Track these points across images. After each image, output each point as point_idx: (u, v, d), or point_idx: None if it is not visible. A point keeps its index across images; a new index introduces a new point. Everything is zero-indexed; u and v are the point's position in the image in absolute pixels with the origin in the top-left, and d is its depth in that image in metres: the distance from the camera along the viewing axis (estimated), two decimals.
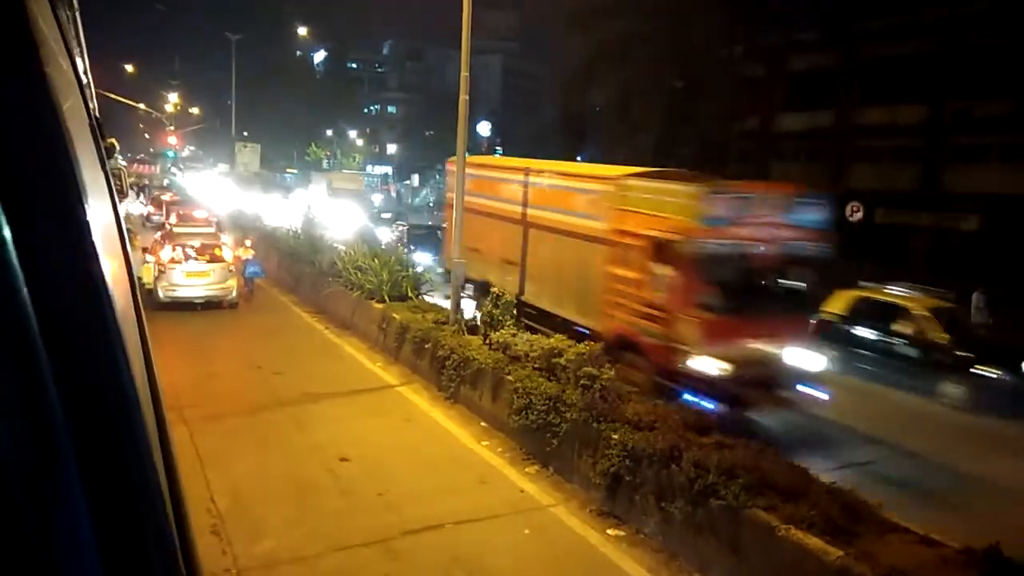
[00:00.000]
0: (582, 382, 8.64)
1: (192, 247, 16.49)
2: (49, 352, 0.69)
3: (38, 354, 0.68)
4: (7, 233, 0.68)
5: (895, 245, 25.27)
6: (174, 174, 63.02)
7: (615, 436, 7.51)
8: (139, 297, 1.81)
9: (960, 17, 24.05)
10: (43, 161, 0.74)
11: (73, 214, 0.76)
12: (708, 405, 9.33)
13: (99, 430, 0.74)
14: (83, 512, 0.70)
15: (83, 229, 0.78)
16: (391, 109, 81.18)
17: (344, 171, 50.83)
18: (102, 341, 0.77)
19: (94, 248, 0.78)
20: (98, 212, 1.25)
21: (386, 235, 26.88)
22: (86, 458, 0.71)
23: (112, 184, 1.64)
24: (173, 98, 59.04)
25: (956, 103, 24.71)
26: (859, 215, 23.27)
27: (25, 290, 0.68)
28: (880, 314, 13.91)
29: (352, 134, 69.65)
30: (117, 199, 1.75)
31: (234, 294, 16.51)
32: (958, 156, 25.29)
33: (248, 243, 17.81)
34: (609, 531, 7.18)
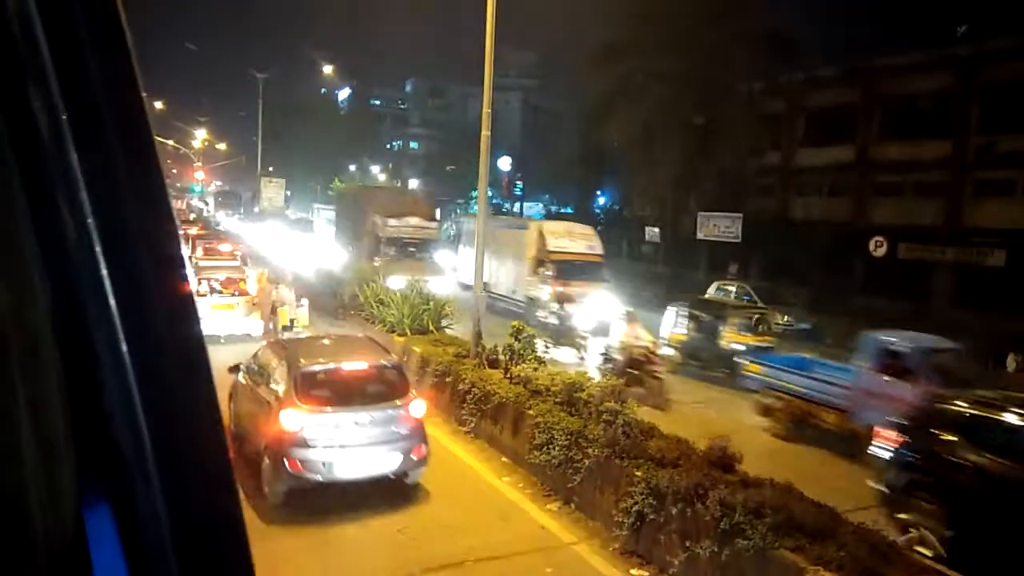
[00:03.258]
0: (604, 417, 8.57)
1: (217, 280, 16.71)
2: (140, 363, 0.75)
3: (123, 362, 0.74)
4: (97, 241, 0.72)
5: (919, 280, 25.01)
6: (200, 208, 64.23)
7: (638, 473, 7.42)
8: None
9: (982, 54, 24.07)
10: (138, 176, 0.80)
11: (166, 224, 0.83)
12: None
13: (191, 436, 0.80)
14: (162, 506, 0.75)
15: (175, 239, 0.84)
16: (413, 145, 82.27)
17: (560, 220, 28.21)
18: (195, 352, 0.83)
19: (181, 255, 0.85)
20: None
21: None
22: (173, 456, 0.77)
23: None
24: (201, 134, 60.35)
25: (979, 138, 24.61)
26: (883, 249, 23.12)
27: (113, 296, 0.73)
28: None
29: (375, 169, 70.59)
30: None
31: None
32: (982, 191, 25.12)
33: (283, 285, 17.86)
34: (633, 571, 7.05)
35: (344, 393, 8.24)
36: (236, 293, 16.58)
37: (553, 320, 17.33)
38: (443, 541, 7.40)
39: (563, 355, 15.34)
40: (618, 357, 13.72)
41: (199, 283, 16.48)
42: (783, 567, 5.83)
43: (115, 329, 0.74)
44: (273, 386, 8.42)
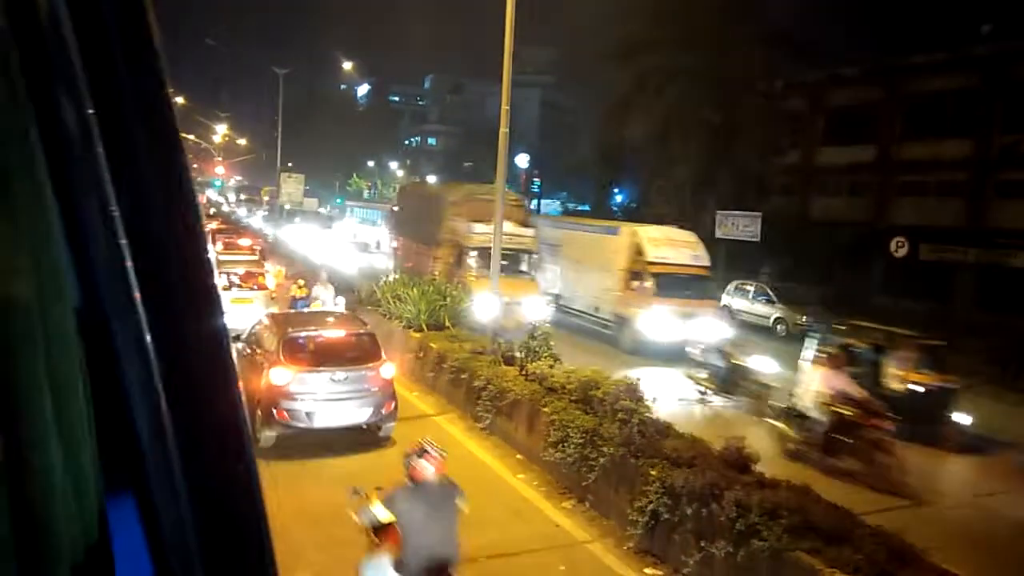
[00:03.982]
0: (619, 416, 8.56)
1: (236, 275, 16.84)
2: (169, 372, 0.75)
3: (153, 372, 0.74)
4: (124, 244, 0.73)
5: (940, 281, 24.71)
6: (219, 203, 64.99)
7: (653, 472, 7.40)
8: None
9: (1006, 53, 23.71)
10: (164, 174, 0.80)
11: (193, 224, 0.83)
12: None
13: (215, 446, 0.80)
14: (189, 518, 0.75)
15: (202, 239, 0.84)
16: (431, 141, 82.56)
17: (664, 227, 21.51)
18: (219, 346, 0.83)
19: (211, 265, 0.85)
20: None
21: None
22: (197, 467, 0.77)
23: None
24: (222, 129, 60.84)
25: (1003, 137, 24.26)
26: (904, 250, 22.86)
27: (141, 306, 0.73)
28: None
29: (393, 165, 70.89)
30: None
31: None
32: (1006, 191, 24.77)
33: (301, 282, 17.51)
34: (647, 570, 7.04)
35: (324, 355, 9.72)
36: (255, 287, 16.69)
37: (716, 359, 13.31)
38: None
39: (731, 407, 12.43)
40: (817, 416, 10.11)
41: (219, 277, 16.61)
42: (799, 569, 5.80)
43: (139, 322, 0.75)
44: (266, 350, 9.85)
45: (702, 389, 12.98)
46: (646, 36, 28.84)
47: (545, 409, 9.42)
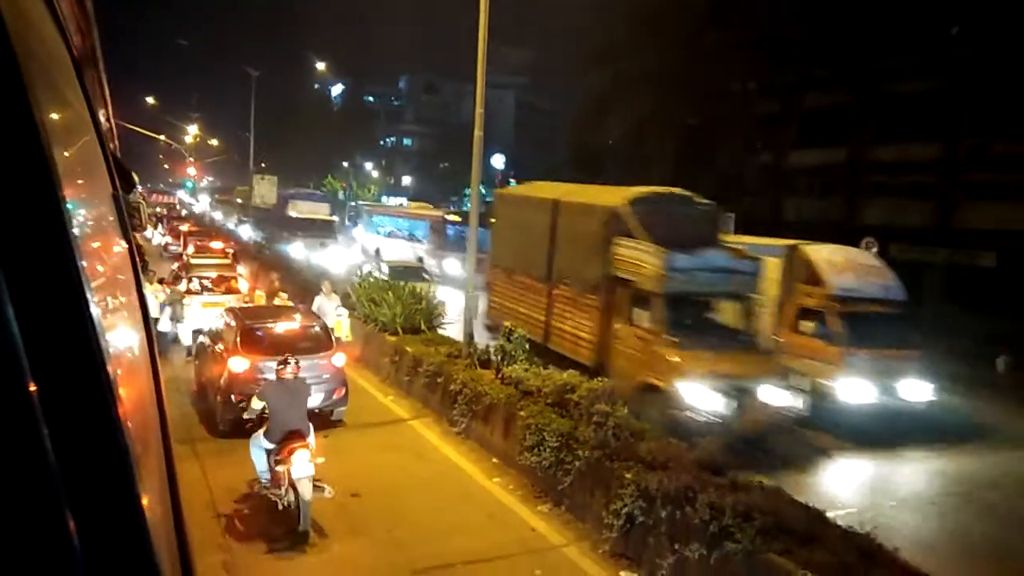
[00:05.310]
0: (595, 419, 8.57)
1: (208, 278, 16.62)
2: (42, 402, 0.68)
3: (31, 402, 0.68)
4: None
5: (910, 281, 25.08)
6: (190, 204, 64.30)
7: (628, 475, 7.42)
8: (152, 330, 1.81)
9: (975, 57, 24.18)
10: (30, 201, 0.74)
11: (58, 249, 0.76)
12: None
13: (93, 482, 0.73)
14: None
15: (69, 261, 0.78)
16: (406, 142, 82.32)
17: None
18: (92, 387, 0.77)
19: (83, 290, 0.78)
20: (109, 247, 1.26)
21: None
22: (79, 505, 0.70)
23: (126, 218, 1.67)
24: (193, 130, 60.07)
25: (972, 140, 24.74)
26: (874, 250, 23.18)
27: (20, 339, 0.67)
28: None
29: (368, 166, 70.46)
30: (132, 233, 1.78)
31: None
32: (975, 193, 25.25)
33: (284, 295, 16.72)
34: (622, 573, 7.06)
35: (279, 345, 10.30)
36: (227, 291, 16.50)
37: None
38: (433, 542, 7.39)
39: None
40: None
41: (190, 281, 16.39)
42: (771, 570, 5.85)
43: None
44: (225, 341, 10.71)
45: None
46: (622, 38, 29.00)
47: (521, 413, 9.41)
